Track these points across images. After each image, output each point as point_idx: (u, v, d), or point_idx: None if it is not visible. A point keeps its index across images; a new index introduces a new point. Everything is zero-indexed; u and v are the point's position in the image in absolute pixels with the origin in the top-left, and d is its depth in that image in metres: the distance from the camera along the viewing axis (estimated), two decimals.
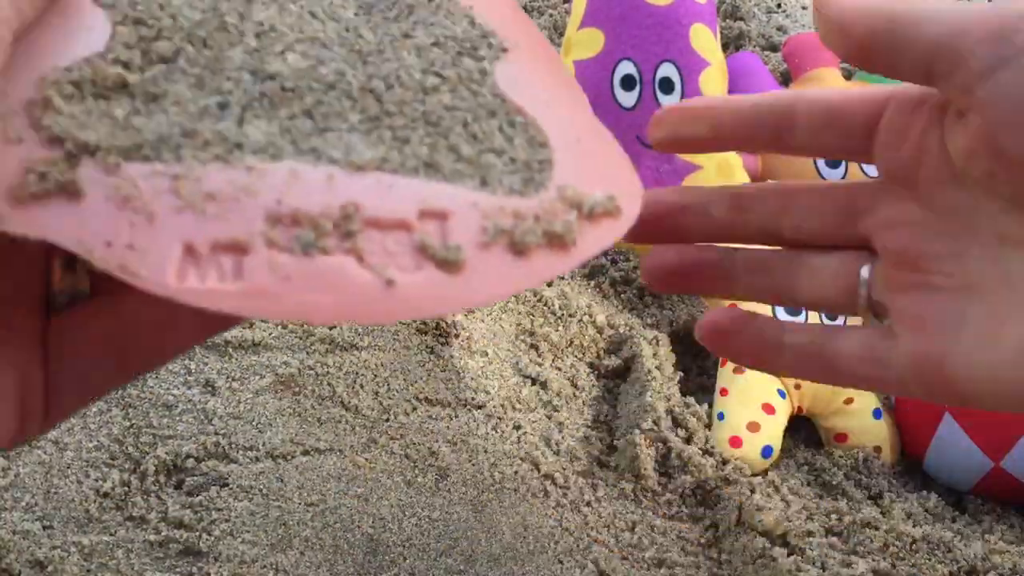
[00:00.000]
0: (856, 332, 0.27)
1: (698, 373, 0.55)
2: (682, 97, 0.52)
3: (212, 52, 0.21)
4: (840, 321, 0.51)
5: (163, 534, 0.39)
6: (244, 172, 0.19)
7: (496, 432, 0.46)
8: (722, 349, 0.30)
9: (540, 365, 0.51)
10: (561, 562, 0.41)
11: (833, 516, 0.45)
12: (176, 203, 0.18)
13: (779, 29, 0.72)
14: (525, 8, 0.71)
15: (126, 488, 0.42)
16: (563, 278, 0.58)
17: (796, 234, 0.28)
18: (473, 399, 0.47)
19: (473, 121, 0.21)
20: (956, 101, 0.23)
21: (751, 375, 0.51)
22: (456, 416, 0.46)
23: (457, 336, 0.51)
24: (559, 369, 0.52)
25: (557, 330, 0.53)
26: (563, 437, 0.47)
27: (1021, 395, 0.24)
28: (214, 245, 0.18)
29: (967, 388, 0.24)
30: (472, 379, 0.48)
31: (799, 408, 0.52)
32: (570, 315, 0.54)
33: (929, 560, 0.43)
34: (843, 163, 0.57)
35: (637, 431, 0.47)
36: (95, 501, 0.41)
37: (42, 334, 0.21)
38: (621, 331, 0.54)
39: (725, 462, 0.47)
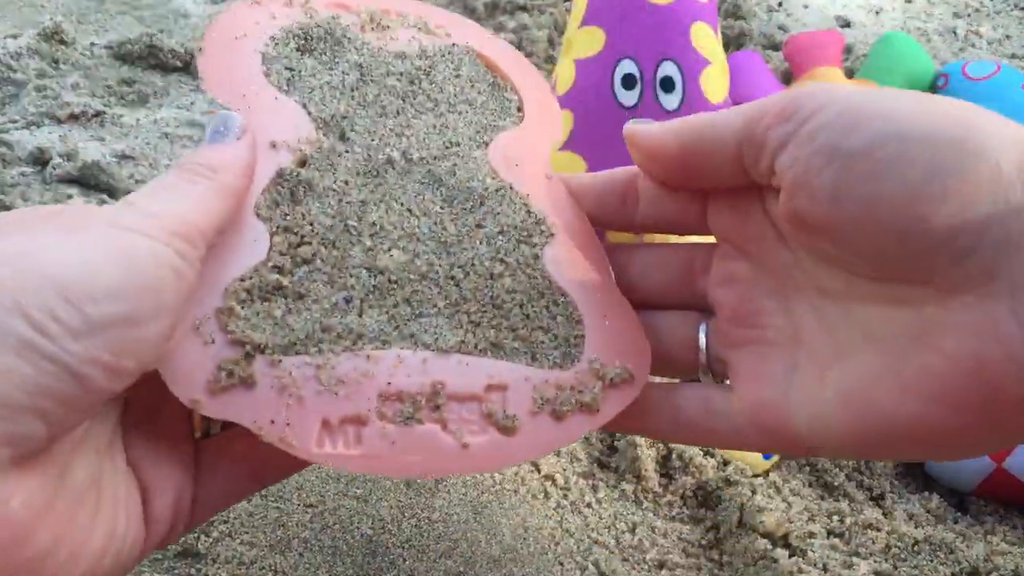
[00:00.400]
0: (695, 387, 0.28)
1: None
2: (683, 96, 0.52)
3: (339, 252, 0.27)
4: None
5: None
6: (364, 360, 0.25)
7: None
8: None
9: None
10: (562, 564, 0.41)
11: (835, 517, 0.45)
12: (318, 388, 0.24)
13: (781, 28, 0.72)
14: (525, 8, 0.71)
15: None
16: None
17: (639, 291, 0.30)
18: None
19: (527, 302, 0.28)
20: (766, 182, 0.26)
21: None
22: None
23: None
24: None
25: None
26: None
27: (851, 437, 0.24)
28: (342, 419, 0.24)
29: (802, 434, 0.25)
30: None
31: None
32: None
33: (931, 562, 0.43)
34: None
35: None
36: None
37: (193, 457, 0.26)
38: None
39: (726, 463, 0.47)
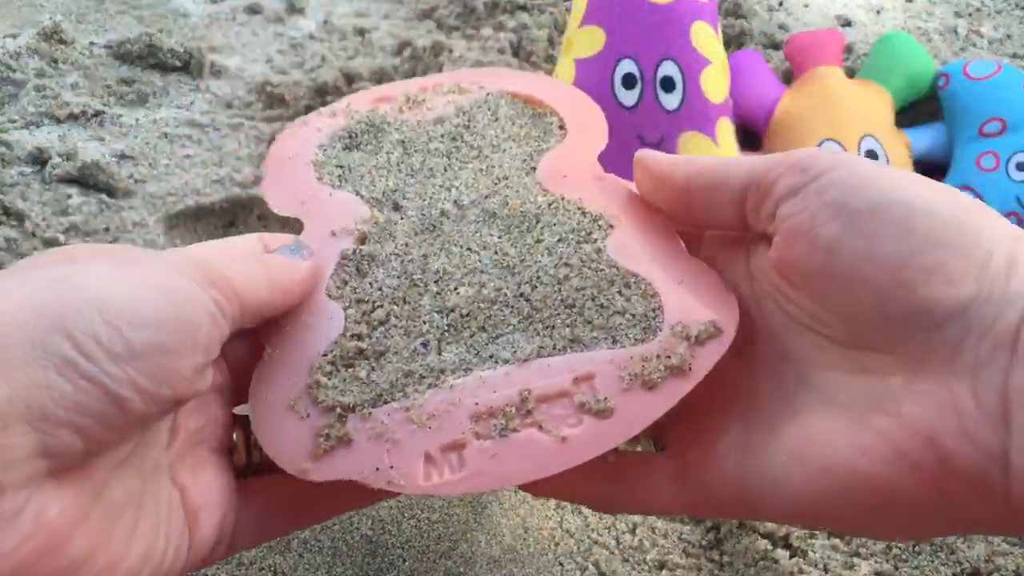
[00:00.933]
0: (631, 455, 0.29)
1: None
2: (683, 96, 0.52)
3: (410, 305, 0.29)
4: None
5: None
6: (448, 391, 0.26)
7: None
8: None
9: None
10: (562, 564, 0.41)
11: None
12: (412, 427, 0.26)
13: (781, 27, 0.72)
14: (525, 8, 0.71)
15: None
16: None
17: None
18: None
19: (599, 293, 0.28)
20: (763, 228, 0.27)
21: None
22: None
23: None
24: None
25: None
26: None
27: (800, 499, 0.24)
28: (442, 448, 0.25)
29: (749, 495, 0.26)
30: None
31: None
32: None
33: (932, 562, 0.43)
34: None
35: None
36: None
37: (236, 488, 0.27)
38: None
39: None
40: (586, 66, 0.54)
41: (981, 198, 0.56)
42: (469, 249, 0.30)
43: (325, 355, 0.27)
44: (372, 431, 0.26)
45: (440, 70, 0.63)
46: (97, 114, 0.58)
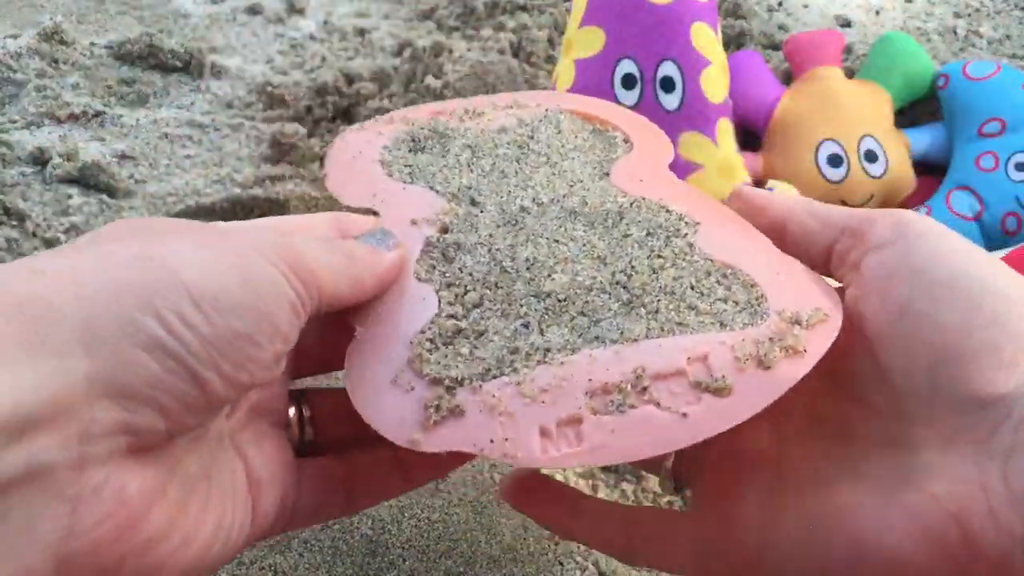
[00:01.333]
0: (653, 510, 0.29)
1: None
2: (683, 96, 0.52)
3: (503, 290, 0.28)
4: None
5: None
6: (559, 367, 0.26)
7: None
8: (523, 505, 0.33)
9: None
10: (562, 564, 0.41)
11: None
12: (525, 401, 0.25)
13: (781, 28, 0.72)
14: (525, 8, 0.71)
15: None
16: None
17: None
18: None
19: (698, 283, 0.28)
20: (843, 276, 0.28)
21: None
22: None
23: None
24: None
25: None
26: None
27: (817, 568, 0.25)
28: (558, 423, 0.25)
29: (765, 561, 0.26)
30: None
31: None
32: None
33: None
34: (844, 162, 0.57)
35: None
36: None
37: (295, 464, 0.27)
38: None
39: None
40: (586, 66, 0.54)
41: (980, 198, 0.56)
42: (557, 241, 0.29)
43: (423, 332, 0.27)
44: (483, 403, 0.25)
45: (440, 70, 0.63)
46: (98, 114, 0.58)
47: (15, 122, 0.57)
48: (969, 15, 0.76)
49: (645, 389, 0.25)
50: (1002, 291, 0.24)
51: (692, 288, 0.27)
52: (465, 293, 0.28)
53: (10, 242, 0.50)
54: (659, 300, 0.27)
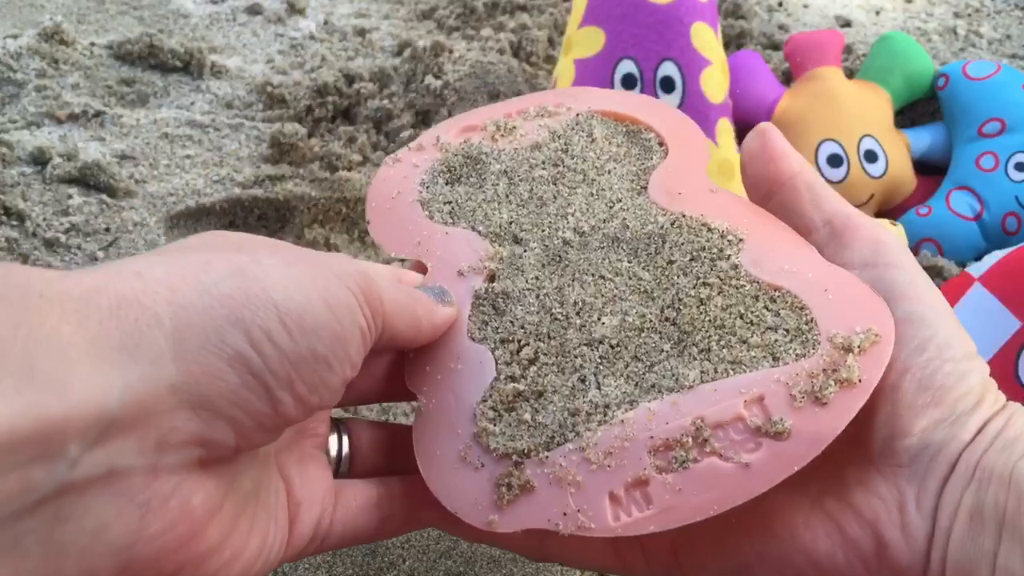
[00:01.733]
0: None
1: None
2: (683, 96, 0.52)
3: (557, 340, 0.28)
4: None
5: None
6: (620, 425, 0.26)
7: None
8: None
9: None
10: (562, 563, 0.41)
11: None
12: (591, 467, 0.25)
13: (781, 28, 0.72)
14: (525, 8, 0.71)
15: None
16: None
17: None
18: None
19: (747, 311, 0.27)
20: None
21: None
22: None
23: None
24: None
25: None
26: None
27: (736, 567, 0.27)
28: (626, 486, 0.25)
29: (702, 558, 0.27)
30: None
31: None
32: None
33: None
34: (844, 162, 0.57)
35: None
36: None
37: (334, 493, 0.28)
38: None
39: None
40: (586, 66, 0.54)
41: (980, 198, 0.56)
42: (602, 277, 0.29)
43: (484, 401, 0.27)
44: (552, 475, 0.25)
45: (440, 70, 0.63)
46: (98, 114, 0.58)
47: (15, 122, 0.57)
48: (969, 15, 0.76)
49: (706, 440, 0.25)
50: (944, 341, 0.26)
51: (741, 317, 0.27)
52: (520, 349, 0.28)
53: (10, 242, 0.50)
54: (710, 337, 0.27)
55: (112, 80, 0.62)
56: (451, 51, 0.64)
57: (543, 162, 0.33)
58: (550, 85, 0.58)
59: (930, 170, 0.60)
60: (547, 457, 0.26)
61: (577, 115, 0.35)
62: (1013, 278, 0.43)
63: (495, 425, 0.27)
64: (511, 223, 0.32)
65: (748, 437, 0.25)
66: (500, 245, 0.31)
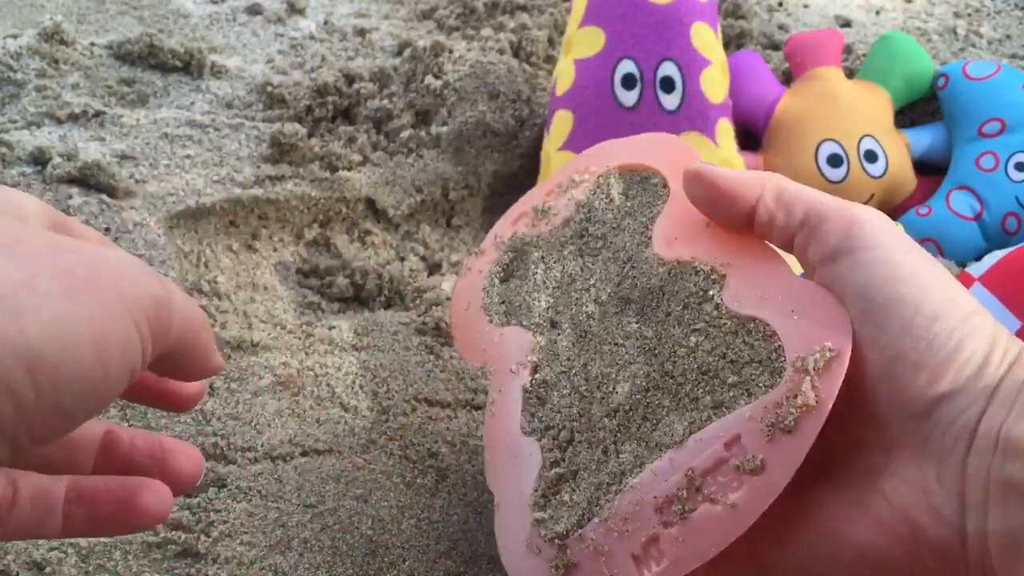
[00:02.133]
0: None
1: None
2: (683, 96, 0.52)
3: (586, 419, 0.31)
4: None
5: (161, 535, 0.39)
6: (631, 491, 0.29)
7: None
8: None
9: None
10: None
11: None
12: (614, 535, 0.28)
13: (781, 28, 0.72)
14: (525, 8, 0.71)
15: None
16: None
17: None
18: (473, 399, 0.47)
19: (728, 350, 0.29)
20: (807, 275, 0.29)
21: None
22: (456, 417, 0.46)
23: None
24: None
25: None
26: None
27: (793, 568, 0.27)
28: (643, 545, 0.28)
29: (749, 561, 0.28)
30: (472, 379, 0.48)
31: None
32: None
33: None
34: (844, 162, 0.57)
35: None
36: None
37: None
38: None
39: None
40: (586, 66, 0.54)
41: (981, 198, 0.56)
42: (616, 344, 0.32)
43: (536, 490, 0.31)
44: (588, 549, 0.29)
45: (440, 70, 0.63)
46: (98, 114, 0.58)
47: (15, 122, 0.57)
48: (969, 15, 0.76)
49: (698, 489, 0.27)
50: (931, 314, 0.25)
51: (723, 357, 0.29)
52: (558, 434, 0.32)
53: None
54: (697, 385, 0.29)
55: (112, 80, 0.62)
56: (451, 51, 0.64)
57: (571, 237, 0.36)
58: (550, 85, 0.58)
59: (930, 170, 0.60)
60: (581, 534, 0.29)
61: (599, 177, 0.37)
62: (1013, 278, 0.43)
63: (544, 512, 0.30)
64: (548, 308, 0.35)
65: (732, 476, 0.27)
66: (540, 334, 0.34)
